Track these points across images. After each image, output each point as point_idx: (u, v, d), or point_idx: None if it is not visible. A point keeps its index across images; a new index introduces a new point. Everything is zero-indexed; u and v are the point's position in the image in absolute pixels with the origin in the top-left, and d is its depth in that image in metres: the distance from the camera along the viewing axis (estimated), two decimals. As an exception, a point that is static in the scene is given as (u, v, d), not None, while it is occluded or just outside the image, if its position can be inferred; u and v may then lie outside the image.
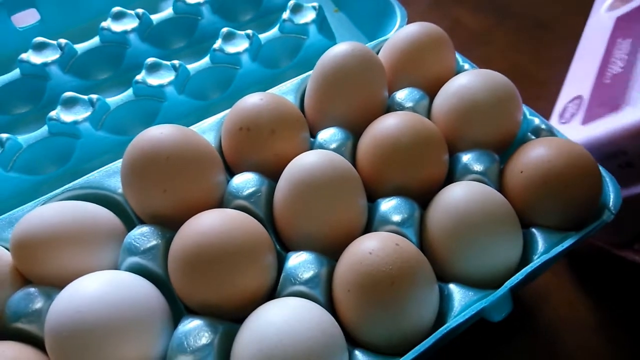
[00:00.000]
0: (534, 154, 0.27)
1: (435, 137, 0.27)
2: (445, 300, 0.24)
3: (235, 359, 0.21)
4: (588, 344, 0.32)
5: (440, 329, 0.22)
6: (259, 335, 0.21)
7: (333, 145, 0.29)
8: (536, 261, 0.24)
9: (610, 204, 0.26)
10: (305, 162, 0.26)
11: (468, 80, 0.29)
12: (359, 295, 0.22)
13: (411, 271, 0.22)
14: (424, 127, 0.27)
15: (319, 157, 0.26)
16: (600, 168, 0.27)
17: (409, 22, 0.36)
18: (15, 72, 0.34)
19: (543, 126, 0.30)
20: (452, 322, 0.22)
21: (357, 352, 0.23)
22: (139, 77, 0.33)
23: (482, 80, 0.29)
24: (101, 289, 0.22)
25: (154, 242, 0.25)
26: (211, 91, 0.36)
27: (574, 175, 0.25)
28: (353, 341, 0.23)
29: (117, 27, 0.35)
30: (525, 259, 0.26)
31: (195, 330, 0.22)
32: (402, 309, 0.22)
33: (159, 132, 0.26)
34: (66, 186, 0.27)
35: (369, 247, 0.23)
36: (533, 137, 0.30)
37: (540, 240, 0.26)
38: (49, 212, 0.24)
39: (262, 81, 0.37)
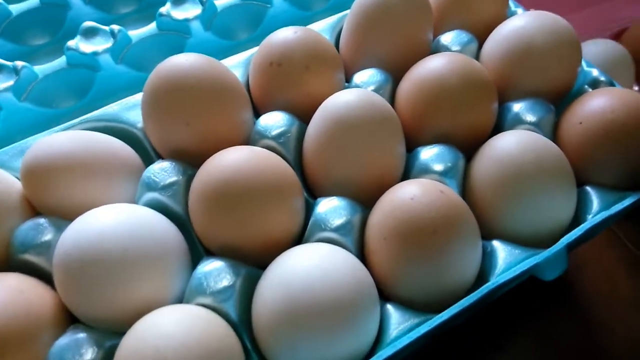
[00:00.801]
0: (595, 104, 0.24)
1: (486, 82, 0.25)
2: (487, 258, 0.22)
3: (259, 303, 0.20)
4: (628, 320, 0.29)
5: (488, 284, 0.20)
6: (286, 279, 0.19)
7: (371, 88, 0.26)
8: (597, 217, 0.22)
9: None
10: (342, 100, 0.23)
11: (525, 22, 0.26)
12: (396, 244, 0.20)
13: (456, 221, 0.20)
14: (473, 69, 0.25)
15: (358, 95, 0.23)
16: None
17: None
18: (34, 0, 0.32)
19: (602, 78, 0.27)
20: (501, 277, 0.20)
21: (389, 307, 0.21)
22: (163, 10, 0.31)
23: (540, 23, 0.26)
24: (116, 221, 0.20)
25: (174, 178, 0.23)
26: (239, 30, 0.33)
27: (636, 129, 0.23)
28: (385, 295, 0.21)
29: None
30: (576, 220, 0.23)
31: (216, 272, 0.20)
32: (443, 261, 0.20)
33: (184, 60, 0.23)
34: (82, 117, 0.26)
35: (410, 192, 0.21)
36: (590, 88, 0.27)
37: (595, 199, 0.23)
38: (63, 139, 0.23)
39: (294, 20, 0.34)
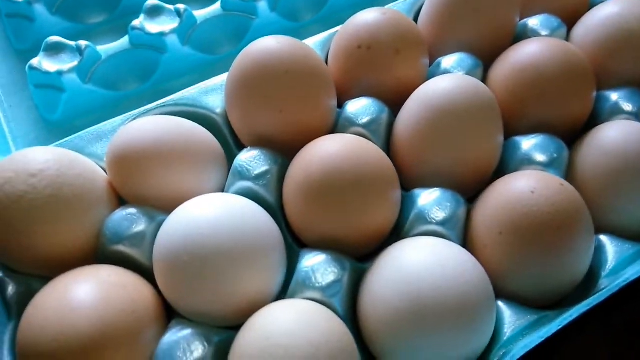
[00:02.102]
0: None
1: (586, 69, 0.24)
2: (596, 253, 0.21)
3: (374, 300, 0.19)
4: None
5: (618, 281, 0.19)
6: (406, 276, 0.18)
7: (461, 73, 0.25)
8: None
9: None
10: (441, 85, 0.22)
11: (621, 8, 0.25)
12: (516, 239, 0.19)
13: (578, 216, 0.19)
14: (574, 56, 0.24)
15: (460, 82, 0.22)
16: None
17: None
18: None
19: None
20: (633, 274, 0.19)
21: (500, 304, 0.20)
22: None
23: (635, 9, 0.25)
24: (218, 213, 0.19)
25: (267, 167, 0.22)
26: (303, 11, 0.32)
27: None
28: (495, 291, 0.20)
29: None
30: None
31: (322, 266, 0.19)
32: (564, 258, 0.19)
33: (276, 42, 0.22)
34: (160, 101, 0.24)
35: (530, 185, 0.20)
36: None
37: None
38: (150, 125, 0.21)
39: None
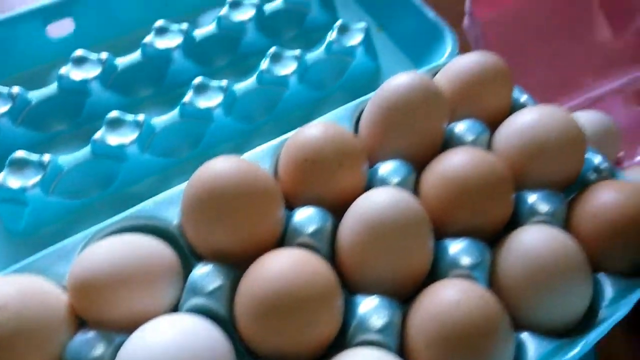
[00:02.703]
0: (604, 199, 0.26)
1: (505, 177, 0.27)
2: (516, 350, 0.24)
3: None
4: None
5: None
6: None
7: (396, 180, 0.28)
8: (623, 310, 0.24)
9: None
10: (377, 200, 0.25)
11: (532, 119, 0.28)
12: (441, 350, 0.21)
13: (499, 325, 0.22)
14: (493, 166, 0.27)
15: (392, 196, 0.25)
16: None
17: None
18: (53, 87, 0.32)
19: (604, 165, 0.29)
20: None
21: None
22: (186, 99, 0.31)
23: (548, 120, 0.28)
24: (171, 338, 0.20)
25: (220, 282, 0.23)
26: (257, 113, 0.34)
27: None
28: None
29: (160, 43, 0.34)
30: (592, 306, 0.25)
31: (270, 382, 0.21)
32: (487, 364, 0.21)
33: (227, 166, 0.24)
34: (119, 217, 0.26)
35: (453, 297, 0.22)
36: (594, 174, 0.29)
37: (608, 287, 0.25)
38: (106, 250, 0.23)
39: (307, 103, 0.35)
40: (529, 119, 0.29)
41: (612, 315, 0.24)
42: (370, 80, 0.38)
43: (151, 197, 0.27)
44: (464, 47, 0.38)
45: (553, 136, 0.28)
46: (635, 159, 0.40)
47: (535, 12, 0.46)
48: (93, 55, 0.32)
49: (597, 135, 0.38)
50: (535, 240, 0.25)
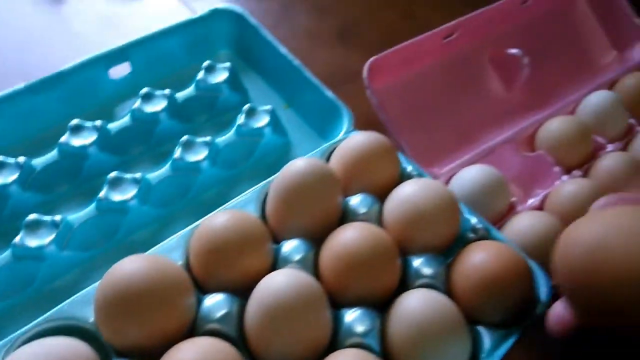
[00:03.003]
0: (474, 260, 0.30)
1: (390, 248, 0.30)
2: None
3: None
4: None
5: None
6: None
7: (297, 257, 0.31)
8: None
9: (544, 297, 0.30)
10: (274, 285, 0.28)
11: (412, 190, 0.33)
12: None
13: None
14: (379, 239, 0.30)
15: (287, 279, 0.28)
16: (532, 264, 0.31)
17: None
18: (54, 154, 0.36)
19: (479, 225, 0.34)
20: None
21: None
22: (102, 194, 0.34)
23: (425, 191, 0.32)
24: None
25: (133, 378, 0.25)
26: (172, 199, 0.37)
27: (510, 279, 0.29)
28: None
29: (76, 141, 0.36)
30: (474, 355, 0.29)
31: None
32: None
33: (134, 267, 0.27)
34: (37, 321, 0.28)
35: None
36: (472, 234, 0.33)
37: (485, 337, 0.29)
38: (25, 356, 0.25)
39: (220, 183, 0.38)
40: (409, 192, 0.33)
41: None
42: (282, 154, 0.41)
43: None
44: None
45: (429, 206, 0.32)
46: (527, 203, 0.44)
47: (429, 75, 0.51)
48: (10, 160, 0.35)
49: (488, 187, 0.42)
50: (416, 304, 0.28)
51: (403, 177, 0.36)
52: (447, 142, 0.49)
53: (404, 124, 0.46)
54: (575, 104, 0.52)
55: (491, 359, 0.28)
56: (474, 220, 0.34)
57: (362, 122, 0.45)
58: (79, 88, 0.40)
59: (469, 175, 0.42)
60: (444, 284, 0.31)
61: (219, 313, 0.28)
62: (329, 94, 0.41)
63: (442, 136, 0.49)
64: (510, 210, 0.43)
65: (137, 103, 0.39)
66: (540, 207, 0.43)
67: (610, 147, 0.48)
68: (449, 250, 0.33)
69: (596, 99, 0.50)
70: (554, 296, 0.31)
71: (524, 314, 0.30)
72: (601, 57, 0.60)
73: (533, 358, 0.35)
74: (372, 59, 0.45)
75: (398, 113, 0.47)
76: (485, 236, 0.33)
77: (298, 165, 0.33)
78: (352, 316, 0.29)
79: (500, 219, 0.42)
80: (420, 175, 0.36)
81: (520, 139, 0.49)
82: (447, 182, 0.44)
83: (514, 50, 0.53)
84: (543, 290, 0.31)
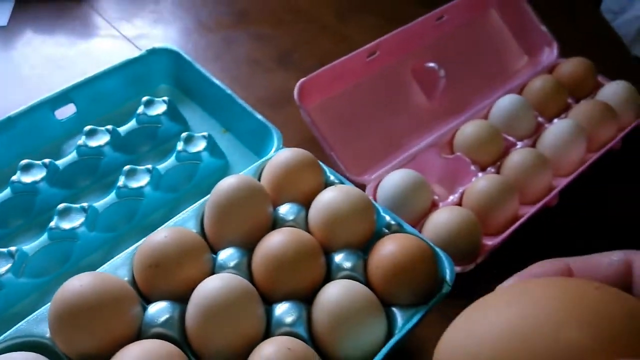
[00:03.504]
0: (384, 252, 0.35)
1: (314, 248, 0.35)
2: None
3: None
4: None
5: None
6: None
7: (232, 264, 0.35)
8: (389, 343, 0.32)
9: (447, 278, 0.35)
10: (207, 288, 0.32)
11: (332, 196, 0.37)
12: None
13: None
14: (303, 241, 0.35)
15: (220, 281, 0.32)
16: (437, 250, 0.36)
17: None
18: (7, 192, 0.39)
19: (393, 222, 0.38)
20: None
21: None
22: (52, 224, 0.37)
23: (342, 195, 0.37)
24: None
25: (85, 381, 0.29)
26: (119, 224, 0.40)
27: (414, 265, 0.34)
28: None
29: (26, 178, 0.39)
30: (390, 332, 0.33)
31: None
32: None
33: (79, 285, 0.30)
34: (-2, 338, 0.31)
35: (266, 354, 0.29)
36: (386, 230, 0.38)
37: (398, 317, 0.33)
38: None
39: (164, 206, 0.42)
40: (329, 197, 0.37)
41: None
42: (221, 175, 0.44)
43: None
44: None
45: (346, 208, 0.36)
46: (448, 200, 0.49)
47: (357, 91, 0.56)
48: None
49: (410, 188, 0.47)
50: (335, 293, 0.33)
51: (327, 185, 0.41)
52: (376, 151, 0.54)
53: (336, 138, 0.51)
54: (489, 108, 0.57)
55: (401, 333, 0.32)
56: (388, 217, 0.39)
57: (301, 139, 0.51)
58: (28, 130, 0.43)
59: (393, 180, 0.47)
60: (363, 275, 0.35)
61: (162, 318, 0.32)
62: (260, 117, 0.45)
63: (371, 146, 0.54)
64: (433, 208, 0.47)
65: (82, 140, 0.42)
66: (459, 203, 0.48)
67: (519, 144, 0.53)
68: (366, 245, 0.37)
69: (505, 103, 0.56)
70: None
71: (431, 293, 0.34)
72: (514, 63, 0.67)
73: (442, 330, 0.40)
74: (301, 80, 0.50)
75: (330, 128, 0.52)
76: (398, 231, 0.38)
77: (228, 182, 0.37)
78: (281, 309, 0.33)
79: (424, 215, 0.47)
80: (341, 183, 0.41)
81: (441, 143, 0.54)
82: (376, 187, 0.49)
83: (431, 64, 0.59)
84: (447, 272, 0.35)
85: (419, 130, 0.57)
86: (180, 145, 0.43)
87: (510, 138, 0.54)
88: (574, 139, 0.52)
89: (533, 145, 0.54)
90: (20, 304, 0.36)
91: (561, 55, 0.64)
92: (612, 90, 0.58)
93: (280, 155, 0.40)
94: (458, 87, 0.60)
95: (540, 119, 0.57)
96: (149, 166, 0.41)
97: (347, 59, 0.54)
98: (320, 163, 0.41)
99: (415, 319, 0.33)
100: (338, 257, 0.36)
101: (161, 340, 0.30)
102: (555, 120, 0.56)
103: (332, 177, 0.41)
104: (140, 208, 0.40)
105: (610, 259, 0.18)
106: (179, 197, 0.43)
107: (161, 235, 0.34)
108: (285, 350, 0.29)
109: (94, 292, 0.30)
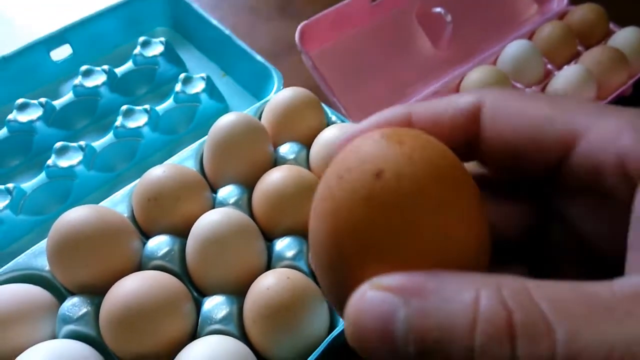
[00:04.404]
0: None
1: (314, 184, 0.34)
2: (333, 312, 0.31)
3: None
4: None
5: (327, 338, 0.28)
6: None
7: (232, 200, 0.34)
8: None
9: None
10: (207, 221, 0.31)
11: (332, 134, 0.36)
12: (263, 325, 0.28)
13: (301, 298, 0.28)
14: (303, 176, 0.34)
15: (219, 215, 0.31)
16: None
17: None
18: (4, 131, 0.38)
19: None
20: (336, 330, 0.28)
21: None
22: (50, 161, 0.37)
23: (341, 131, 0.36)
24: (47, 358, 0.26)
25: (85, 310, 0.29)
26: (117, 164, 0.40)
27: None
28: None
29: (23, 117, 0.39)
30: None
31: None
32: (298, 328, 0.28)
33: (77, 215, 0.30)
34: (-2, 271, 0.31)
35: (266, 284, 0.29)
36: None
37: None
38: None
39: (163, 147, 0.41)
40: (330, 135, 0.36)
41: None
42: (221, 119, 0.45)
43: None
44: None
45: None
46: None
47: (360, 37, 0.54)
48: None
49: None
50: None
51: (328, 125, 0.40)
52: (380, 98, 0.52)
53: (339, 85, 0.50)
54: (497, 55, 0.56)
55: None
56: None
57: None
58: (23, 71, 0.42)
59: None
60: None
61: (162, 251, 0.31)
62: (260, 58, 0.44)
63: (376, 93, 0.53)
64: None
65: (78, 79, 0.41)
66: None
67: (527, 91, 0.52)
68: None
69: (513, 49, 0.54)
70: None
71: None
72: (523, 10, 0.64)
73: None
74: (302, 23, 0.48)
75: (333, 75, 0.50)
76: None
77: (227, 119, 0.36)
78: (282, 244, 0.32)
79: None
80: (342, 122, 0.40)
81: (447, 90, 0.53)
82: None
83: (437, 9, 0.57)
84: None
85: (424, 77, 0.55)
86: (178, 87, 0.42)
87: (519, 85, 0.52)
88: (583, 85, 0.51)
89: (542, 92, 0.53)
90: (20, 241, 0.36)
91: (572, 3, 0.62)
92: (624, 37, 0.56)
93: (280, 95, 0.39)
94: (465, 34, 0.58)
95: (549, 66, 0.55)
96: (147, 106, 0.40)
97: (350, 2, 0.52)
98: (322, 104, 0.40)
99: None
100: (340, 195, 0.35)
101: (162, 272, 0.30)
102: (565, 67, 0.54)
103: (333, 118, 0.40)
104: (138, 149, 0.40)
105: (456, 105, 0.16)
106: (178, 140, 0.42)
107: (160, 170, 0.33)
108: (284, 280, 0.29)
109: (92, 223, 0.30)
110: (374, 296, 0.12)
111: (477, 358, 0.11)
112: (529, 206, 0.17)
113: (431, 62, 0.57)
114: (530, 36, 0.58)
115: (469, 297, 0.11)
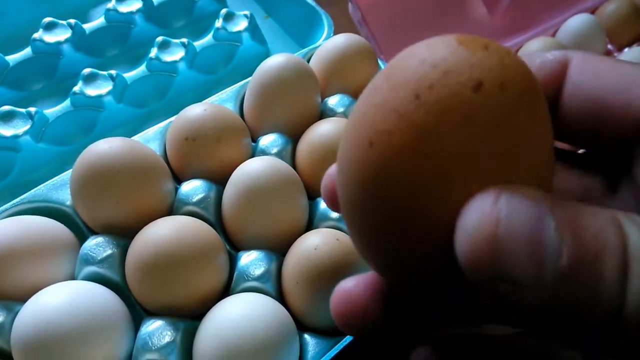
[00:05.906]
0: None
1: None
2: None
3: (197, 354, 0.24)
4: None
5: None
6: (219, 330, 0.23)
7: (274, 150, 0.31)
8: None
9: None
10: (250, 168, 0.28)
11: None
12: (307, 287, 0.25)
13: (351, 263, 0.26)
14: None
15: (263, 163, 0.28)
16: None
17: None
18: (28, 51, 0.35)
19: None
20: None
21: (306, 336, 0.26)
22: (76, 88, 0.33)
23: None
24: (63, 300, 0.23)
25: (109, 252, 0.26)
26: (149, 99, 0.36)
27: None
28: (302, 326, 0.26)
29: (49, 37, 0.35)
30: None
31: (158, 330, 0.24)
32: (344, 295, 0.25)
33: (108, 147, 0.27)
34: (13, 201, 0.28)
35: (313, 243, 0.26)
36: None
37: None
38: (2, 228, 0.25)
39: (199, 87, 0.38)
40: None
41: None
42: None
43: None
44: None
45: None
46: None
47: (413, -4, 0.50)
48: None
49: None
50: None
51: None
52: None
53: (387, 41, 0.46)
54: (557, 27, 0.52)
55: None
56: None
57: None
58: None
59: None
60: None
61: (197, 196, 0.28)
62: (310, 1, 0.40)
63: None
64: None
65: (112, 3, 0.38)
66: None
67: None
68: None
69: (575, 23, 0.50)
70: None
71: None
72: (585, -15, 0.60)
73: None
74: (354, -30, 0.44)
75: (380, 31, 0.47)
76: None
77: (275, 59, 0.32)
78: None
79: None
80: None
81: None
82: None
83: (498, -27, 0.52)
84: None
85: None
86: (219, 22, 0.39)
87: (578, 61, 0.48)
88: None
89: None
90: (40, 171, 0.33)
91: (642, -21, 0.57)
92: (696, 22, 0.52)
93: (333, 41, 0.36)
94: (524, 2, 0.54)
95: (610, 46, 0.51)
96: (185, 40, 0.37)
97: (408, -45, 0.48)
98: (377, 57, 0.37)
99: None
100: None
101: (195, 219, 0.27)
102: (626, 50, 0.50)
103: (388, 72, 0.37)
104: (173, 85, 0.36)
105: (544, 57, 0.16)
106: (215, 80, 0.39)
107: (200, 108, 0.30)
108: (333, 241, 0.26)
109: (125, 157, 0.27)
110: (515, 201, 0.11)
111: (635, 268, 0.10)
112: (592, 179, 0.16)
113: (485, 30, 0.53)
114: (593, 11, 0.54)
115: (610, 214, 0.11)
